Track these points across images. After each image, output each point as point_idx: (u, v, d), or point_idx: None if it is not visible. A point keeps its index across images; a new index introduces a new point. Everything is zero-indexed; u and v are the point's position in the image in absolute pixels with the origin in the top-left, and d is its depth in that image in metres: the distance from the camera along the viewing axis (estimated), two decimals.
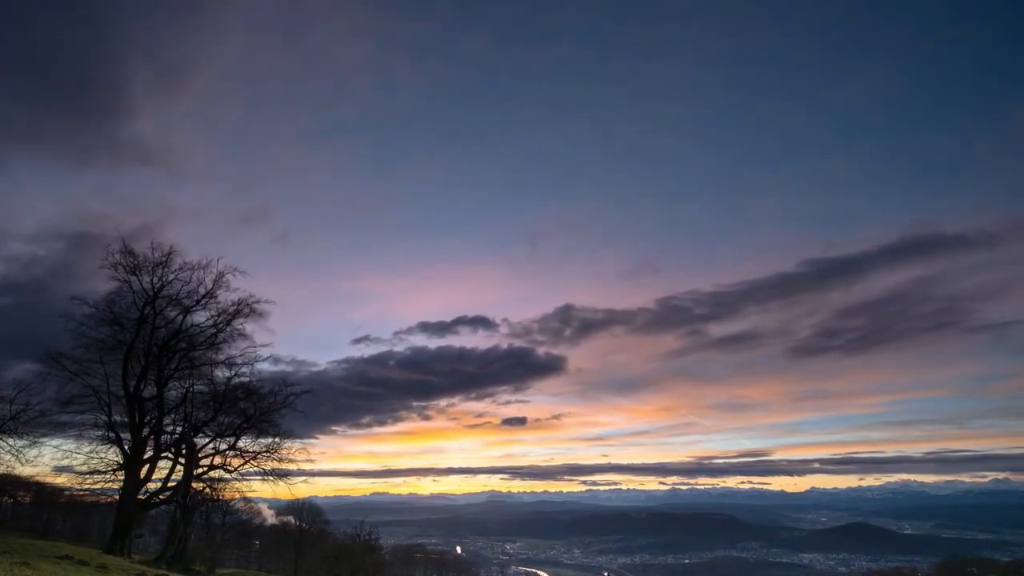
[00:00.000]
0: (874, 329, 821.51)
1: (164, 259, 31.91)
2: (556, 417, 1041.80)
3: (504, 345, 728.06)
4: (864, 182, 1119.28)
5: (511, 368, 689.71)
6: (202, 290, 33.20)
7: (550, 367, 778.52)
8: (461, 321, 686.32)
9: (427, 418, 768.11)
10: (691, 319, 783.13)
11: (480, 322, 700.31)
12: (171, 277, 32.35)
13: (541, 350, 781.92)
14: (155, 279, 31.92)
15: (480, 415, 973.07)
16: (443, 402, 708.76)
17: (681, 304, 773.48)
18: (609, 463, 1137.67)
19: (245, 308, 34.35)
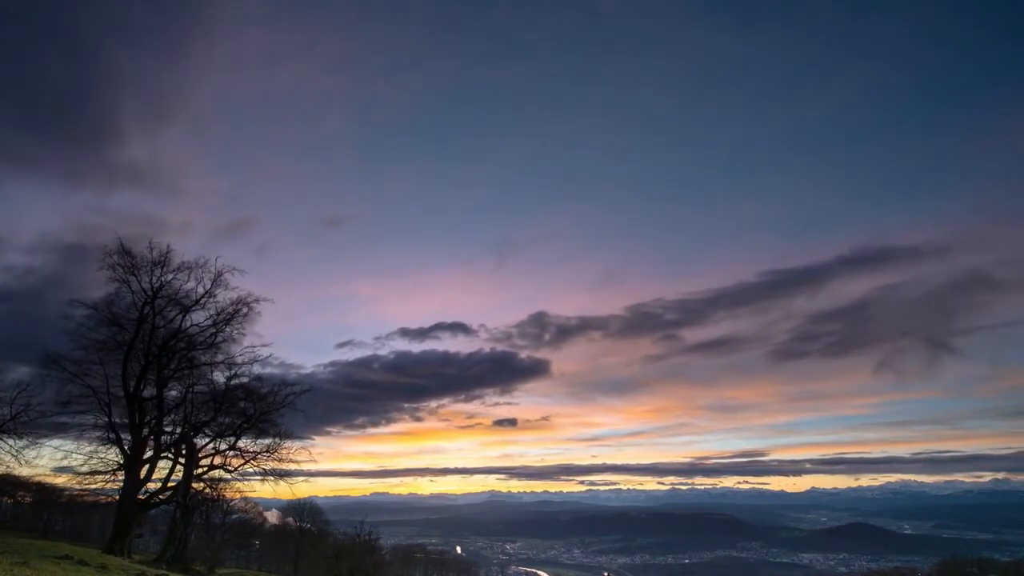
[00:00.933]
0: (852, 333, 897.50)
1: (162, 259, 31.92)
2: (546, 418, 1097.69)
3: (487, 349, 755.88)
4: (819, 195, 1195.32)
5: (495, 371, 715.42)
6: (201, 290, 33.24)
7: (534, 370, 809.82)
8: (440, 327, 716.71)
9: (419, 419, 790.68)
10: (663, 325, 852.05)
11: (459, 327, 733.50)
12: (169, 277, 32.39)
13: (524, 354, 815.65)
14: (153, 279, 31.92)
15: (471, 416, 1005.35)
16: (433, 403, 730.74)
17: (651, 311, 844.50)
18: (604, 463, 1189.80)
19: (243, 307, 34.36)
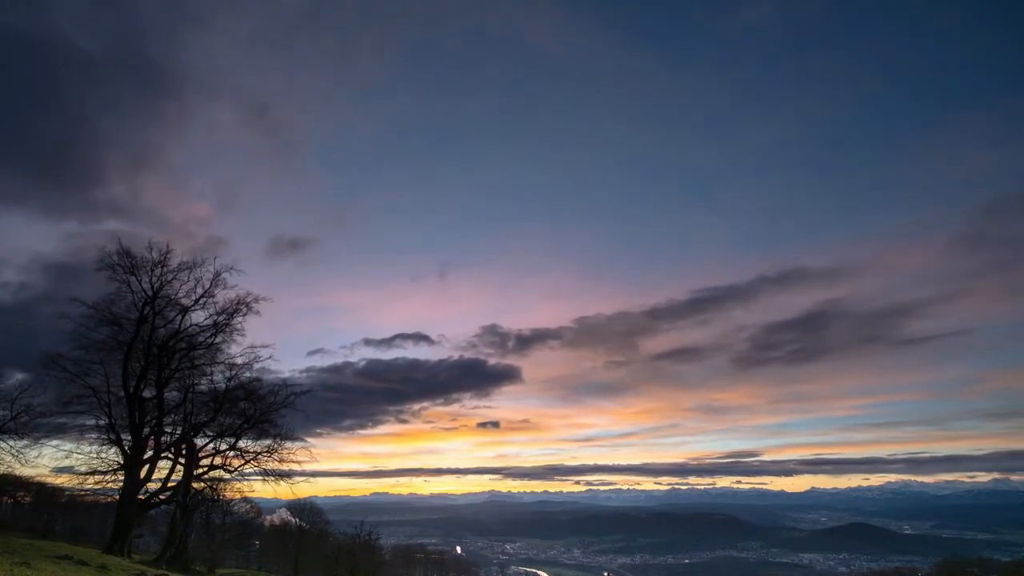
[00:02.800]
0: (811, 342, 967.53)
1: (162, 259, 31.93)
2: (526, 420, 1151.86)
3: (455, 356, 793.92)
4: (760, 215, 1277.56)
5: (467, 376, 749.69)
6: (200, 289, 33.26)
7: (507, 375, 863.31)
8: (402, 336, 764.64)
9: (404, 421, 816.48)
10: (615, 335, 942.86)
11: (421, 337, 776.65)
12: (169, 277, 32.39)
13: (492, 360, 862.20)
14: (153, 279, 31.93)
15: (455, 418, 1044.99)
16: (415, 406, 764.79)
17: (597, 322, 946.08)
18: (597, 464, 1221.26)
19: (243, 307, 34.38)
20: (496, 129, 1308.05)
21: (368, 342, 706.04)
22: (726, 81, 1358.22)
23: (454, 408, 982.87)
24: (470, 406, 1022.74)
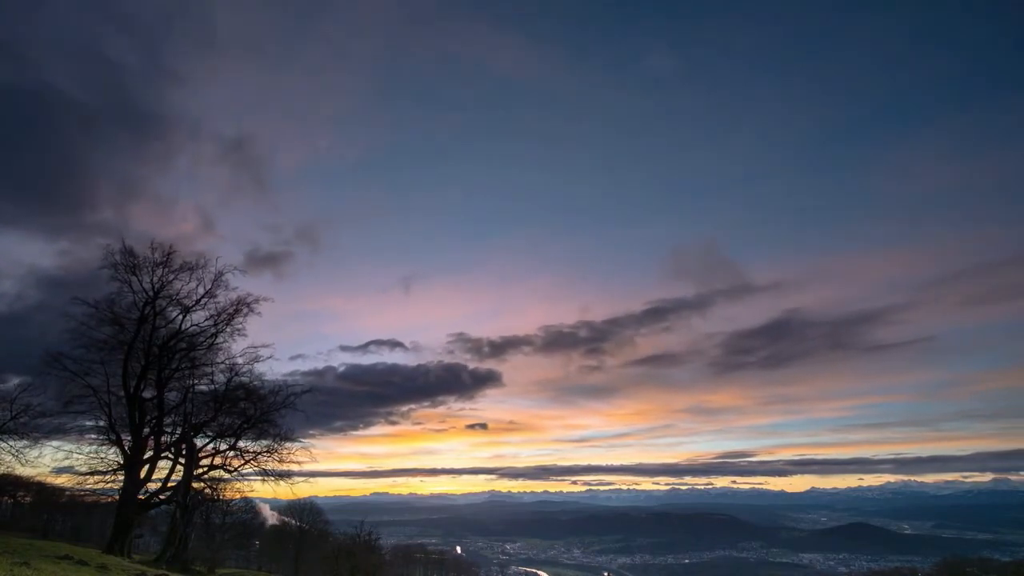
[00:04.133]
0: (781, 348, 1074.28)
1: (164, 259, 31.84)
2: (513, 422, 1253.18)
3: (434, 361, 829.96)
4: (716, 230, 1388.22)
5: (448, 380, 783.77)
6: (201, 290, 33.15)
7: (488, 378, 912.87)
8: (376, 343, 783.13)
9: (394, 423, 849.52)
10: (580, 341, 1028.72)
11: (395, 344, 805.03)
12: (171, 277, 32.30)
13: (472, 365, 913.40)
14: (155, 279, 31.87)
15: (443, 420, 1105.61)
16: (403, 408, 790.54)
17: (561, 330, 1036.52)
18: (590, 464, 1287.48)
19: (244, 307, 34.32)
20: (462, 150, 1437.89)
21: (344, 348, 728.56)
22: (686, 103, 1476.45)
23: (441, 410, 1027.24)
24: (456, 408, 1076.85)
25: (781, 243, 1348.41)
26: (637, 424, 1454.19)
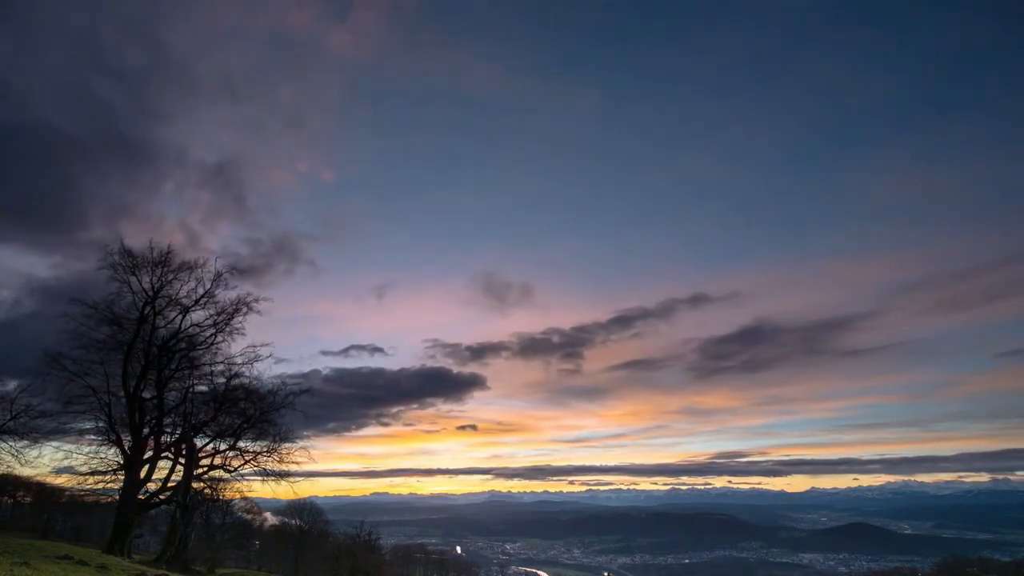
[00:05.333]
0: (757, 353, 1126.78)
1: (163, 259, 31.83)
2: (501, 423, 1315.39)
3: (417, 365, 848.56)
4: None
5: (433, 383, 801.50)
6: (201, 289, 33.16)
7: (473, 381, 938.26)
8: (355, 347, 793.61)
9: (385, 424, 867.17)
10: (553, 347, 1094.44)
11: (375, 349, 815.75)
12: (170, 277, 32.29)
13: (455, 369, 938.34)
14: (154, 279, 31.86)
15: (434, 421, 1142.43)
16: (393, 409, 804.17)
17: (534, 337, 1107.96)
18: (583, 465, 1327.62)
19: (243, 307, 34.29)
20: (433, 171, 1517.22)
21: (326, 353, 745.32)
22: (662, 114, 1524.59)
23: (430, 412, 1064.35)
24: (444, 410, 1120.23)
25: (749, 251, 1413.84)
26: (631, 425, 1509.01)
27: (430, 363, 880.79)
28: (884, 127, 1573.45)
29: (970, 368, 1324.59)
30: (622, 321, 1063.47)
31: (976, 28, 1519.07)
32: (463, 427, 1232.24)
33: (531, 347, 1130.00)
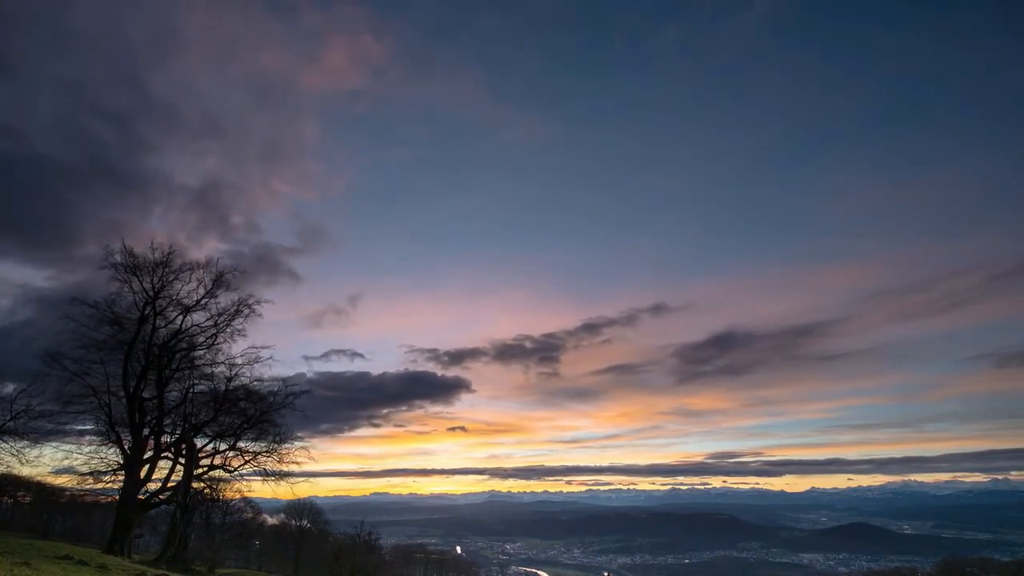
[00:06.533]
0: (733, 358, 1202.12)
1: (164, 259, 31.84)
2: (489, 423, 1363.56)
3: (400, 369, 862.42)
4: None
5: (417, 386, 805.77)
6: (202, 290, 33.15)
7: (457, 384, 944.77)
8: (334, 351, 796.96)
9: (376, 425, 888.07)
10: (527, 353, 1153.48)
11: (354, 354, 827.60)
12: (171, 277, 32.28)
13: (439, 372, 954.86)
14: (155, 279, 31.86)
15: (425, 423, 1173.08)
16: (384, 410, 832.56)
17: (508, 342, 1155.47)
18: (576, 465, 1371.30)
19: (244, 308, 34.30)
20: (409, 185, 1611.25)
21: (307, 358, 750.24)
22: (626, 132, 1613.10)
23: (418, 413, 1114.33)
24: (433, 411, 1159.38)
25: (713, 262, 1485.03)
26: (625, 426, 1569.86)
27: (412, 367, 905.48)
28: (839, 144, 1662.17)
29: (947, 371, 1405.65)
30: (590, 328, 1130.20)
31: (920, 53, 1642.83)
32: (453, 428, 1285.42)
33: (507, 352, 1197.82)
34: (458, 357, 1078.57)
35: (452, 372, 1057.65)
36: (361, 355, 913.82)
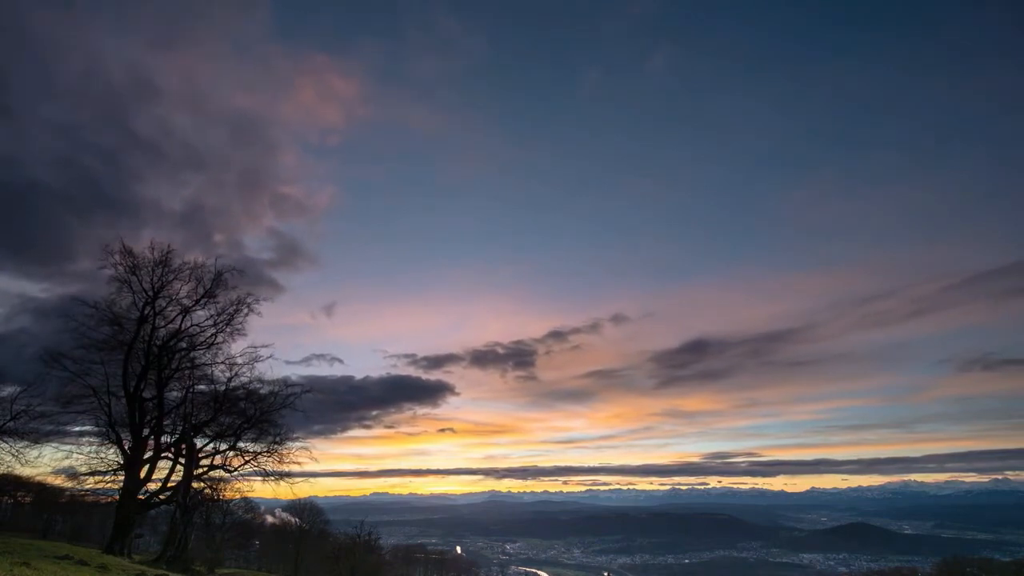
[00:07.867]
0: (709, 364, 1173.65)
1: (163, 258, 31.76)
2: (485, 424, 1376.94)
3: (382, 373, 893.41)
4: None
5: (403, 389, 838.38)
6: (201, 289, 33.06)
7: (441, 388, 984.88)
8: (314, 357, 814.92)
9: (367, 427, 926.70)
10: (499, 359, 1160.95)
11: (334, 359, 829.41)
12: (171, 277, 32.21)
13: (423, 376, 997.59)
14: (155, 279, 31.80)
15: (413, 424, 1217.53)
16: (373, 412, 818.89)
17: (483, 349, 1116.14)
18: (570, 465, 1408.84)
19: (244, 307, 34.22)
20: (383, 204, 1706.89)
21: (289, 363, 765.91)
22: (593, 149, 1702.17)
23: (407, 415, 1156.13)
24: (421, 413, 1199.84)
25: (687, 270, 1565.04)
26: (619, 427, 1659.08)
27: (392, 371, 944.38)
28: (811, 157, 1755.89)
29: (933, 374, 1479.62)
30: (557, 335, 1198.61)
31: (887, 76, 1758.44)
32: (443, 430, 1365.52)
33: (482, 358, 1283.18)
34: (437, 362, 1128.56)
35: (433, 376, 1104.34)
36: (340, 359, 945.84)
